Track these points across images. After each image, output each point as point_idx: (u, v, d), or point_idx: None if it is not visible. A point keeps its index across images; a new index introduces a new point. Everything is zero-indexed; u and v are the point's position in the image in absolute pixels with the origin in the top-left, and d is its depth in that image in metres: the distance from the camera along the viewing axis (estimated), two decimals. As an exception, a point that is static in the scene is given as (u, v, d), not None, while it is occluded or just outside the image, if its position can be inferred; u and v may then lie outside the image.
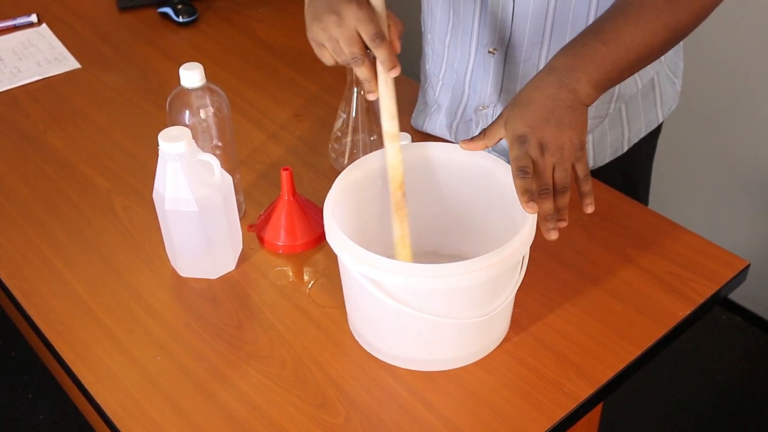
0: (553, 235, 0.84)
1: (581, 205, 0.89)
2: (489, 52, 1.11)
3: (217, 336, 0.97)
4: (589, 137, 1.18)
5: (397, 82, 1.52)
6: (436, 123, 1.24)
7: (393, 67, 0.91)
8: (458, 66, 1.17)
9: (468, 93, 1.18)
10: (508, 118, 0.90)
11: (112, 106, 1.40)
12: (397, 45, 0.93)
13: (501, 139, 0.92)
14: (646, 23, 0.90)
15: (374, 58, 0.91)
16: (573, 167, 0.88)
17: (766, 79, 1.84)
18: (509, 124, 0.89)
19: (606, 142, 1.20)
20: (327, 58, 0.94)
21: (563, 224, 0.86)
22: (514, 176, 0.85)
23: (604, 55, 0.89)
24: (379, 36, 0.89)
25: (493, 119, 1.15)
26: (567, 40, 1.06)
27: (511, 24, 1.07)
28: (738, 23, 1.80)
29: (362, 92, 1.16)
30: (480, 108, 1.17)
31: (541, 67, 1.09)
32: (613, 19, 0.92)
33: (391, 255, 0.83)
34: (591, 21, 1.05)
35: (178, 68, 1.02)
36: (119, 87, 1.44)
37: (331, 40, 0.91)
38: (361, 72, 0.91)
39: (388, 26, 0.92)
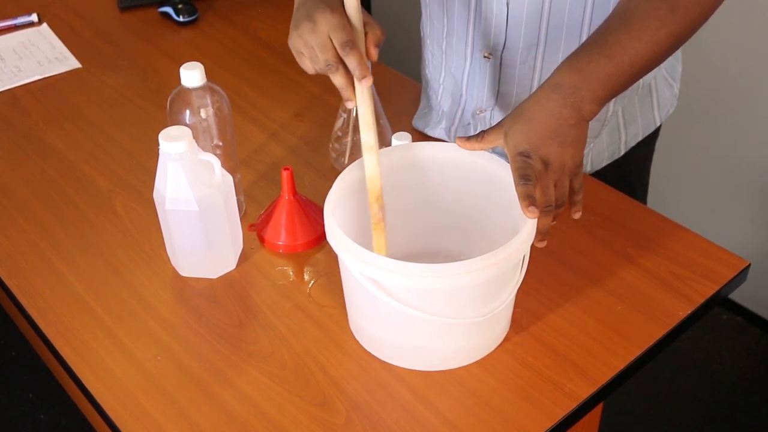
0: (542, 245, 0.89)
1: (570, 211, 0.93)
2: (484, 56, 1.11)
3: (218, 336, 0.97)
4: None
5: (399, 82, 1.52)
6: (436, 127, 1.24)
7: (364, 77, 0.89)
8: (455, 71, 1.17)
9: (465, 97, 1.18)
10: (510, 131, 0.89)
11: (112, 105, 1.40)
12: (374, 53, 0.91)
13: (498, 146, 0.92)
14: (649, 35, 0.89)
15: None
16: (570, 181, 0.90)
17: (766, 80, 1.84)
18: (510, 137, 0.89)
19: (603, 146, 1.20)
20: (307, 65, 0.93)
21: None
22: (517, 183, 0.85)
23: (609, 71, 0.88)
24: (349, 44, 0.88)
25: (491, 123, 1.15)
26: (562, 44, 1.06)
27: (506, 28, 1.07)
28: (739, 22, 1.80)
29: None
30: (478, 112, 1.17)
31: (536, 71, 1.10)
32: (616, 32, 0.90)
33: (391, 255, 0.83)
34: (586, 24, 1.04)
35: (179, 68, 1.02)
36: (120, 87, 1.44)
37: (307, 47, 0.90)
38: (336, 79, 0.90)
39: (365, 33, 0.91)
